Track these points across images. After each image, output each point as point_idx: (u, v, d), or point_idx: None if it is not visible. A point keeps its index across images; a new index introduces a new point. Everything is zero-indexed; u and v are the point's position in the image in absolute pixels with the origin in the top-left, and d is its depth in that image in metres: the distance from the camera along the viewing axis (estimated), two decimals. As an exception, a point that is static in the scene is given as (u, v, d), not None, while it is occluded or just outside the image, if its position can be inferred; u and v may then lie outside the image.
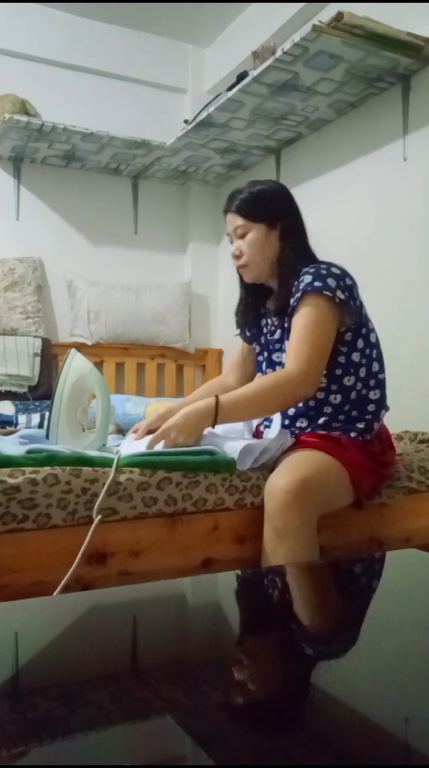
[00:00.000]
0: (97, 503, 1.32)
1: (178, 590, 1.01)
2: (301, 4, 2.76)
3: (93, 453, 1.47)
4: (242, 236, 1.64)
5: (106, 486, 1.34)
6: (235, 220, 1.64)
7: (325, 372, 1.59)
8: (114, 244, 3.48)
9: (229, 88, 2.60)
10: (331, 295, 1.50)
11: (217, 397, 1.48)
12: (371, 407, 1.63)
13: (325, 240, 2.80)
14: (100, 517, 1.31)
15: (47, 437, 1.64)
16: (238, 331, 1.86)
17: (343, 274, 1.57)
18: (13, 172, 3.26)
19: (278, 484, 1.40)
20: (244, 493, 1.49)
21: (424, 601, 0.91)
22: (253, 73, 2.43)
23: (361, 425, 1.61)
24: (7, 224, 3.24)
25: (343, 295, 1.52)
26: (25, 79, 3.16)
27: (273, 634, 0.81)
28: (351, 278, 1.59)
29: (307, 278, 1.54)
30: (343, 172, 2.75)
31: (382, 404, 1.66)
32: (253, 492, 1.50)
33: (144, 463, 1.42)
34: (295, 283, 1.57)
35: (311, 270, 1.55)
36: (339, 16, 2.11)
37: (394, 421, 2.16)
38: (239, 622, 0.86)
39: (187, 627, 0.85)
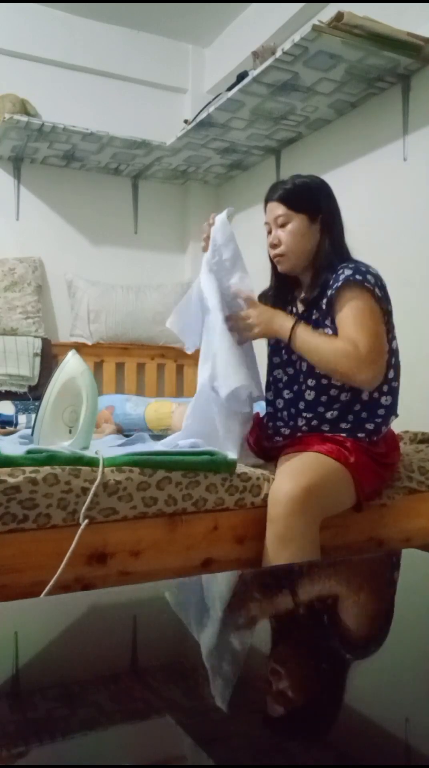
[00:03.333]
0: (83, 507, 1.31)
1: (178, 590, 1.01)
2: (301, 4, 2.76)
3: (93, 454, 1.46)
4: (283, 225, 1.64)
5: (92, 490, 1.34)
6: (277, 209, 1.65)
7: None
8: (114, 244, 3.48)
9: (229, 88, 2.60)
10: (371, 288, 1.52)
11: (296, 323, 1.56)
12: (381, 411, 1.62)
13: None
14: (86, 521, 1.31)
15: (32, 435, 1.64)
16: None
17: (379, 277, 1.59)
18: (13, 172, 3.26)
19: (283, 489, 1.40)
20: (244, 493, 1.49)
21: (424, 601, 0.91)
22: (253, 73, 2.43)
23: (370, 426, 1.60)
24: (7, 224, 3.24)
25: (379, 294, 1.55)
26: (25, 79, 3.16)
27: (272, 634, 0.81)
28: (384, 282, 1.61)
29: (348, 271, 1.55)
30: (343, 172, 2.75)
31: (392, 410, 1.65)
32: (253, 492, 1.50)
33: (144, 462, 1.42)
34: (334, 276, 1.58)
35: (351, 265, 1.57)
36: (339, 16, 2.11)
37: (394, 421, 2.16)
38: (239, 622, 0.86)
39: (187, 627, 0.85)
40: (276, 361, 1.73)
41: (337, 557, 1.52)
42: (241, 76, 2.52)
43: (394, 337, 1.65)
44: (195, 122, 2.82)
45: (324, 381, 1.61)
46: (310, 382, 1.63)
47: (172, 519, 1.42)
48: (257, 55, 2.45)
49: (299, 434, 1.64)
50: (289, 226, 1.63)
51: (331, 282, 1.58)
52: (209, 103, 2.77)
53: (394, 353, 1.64)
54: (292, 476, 1.43)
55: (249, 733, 0.54)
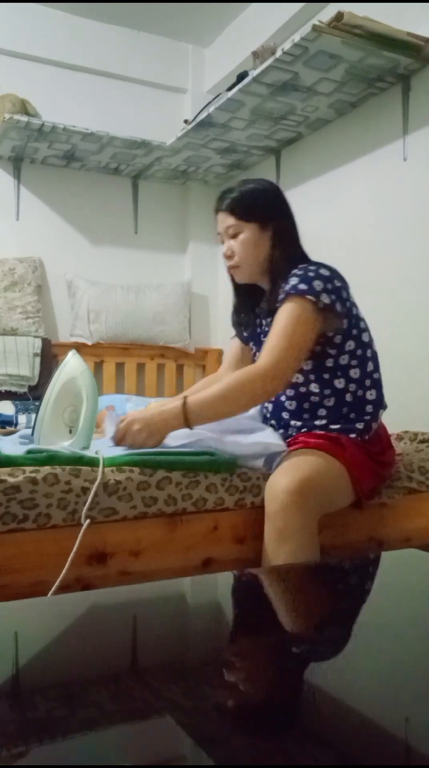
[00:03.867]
0: (85, 507, 1.31)
1: (178, 590, 1.01)
2: (301, 4, 2.76)
3: (93, 453, 1.46)
4: (234, 236, 1.62)
5: (93, 489, 1.34)
6: (227, 220, 1.62)
7: (313, 377, 1.59)
8: (114, 244, 3.48)
9: (229, 88, 2.60)
10: (314, 299, 1.49)
11: (184, 398, 1.47)
12: (369, 408, 1.62)
13: (325, 240, 2.81)
14: (88, 521, 1.30)
15: (32, 434, 1.64)
16: (235, 333, 1.85)
17: (332, 276, 1.55)
18: (13, 172, 3.26)
19: (280, 484, 1.40)
20: (244, 493, 1.49)
21: (424, 601, 0.91)
22: (253, 73, 2.43)
23: (360, 425, 1.60)
24: (7, 224, 3.24)
25: (328, 299, 1.50)
26: (25, 79, 3.16)
27: (272, 635, 0.81)
28: (341, 280, 1.58)
29: (294, 280, 1.52)
30: (343, 172, 2.75)
31: (379, 404, 1.65)
32: (253, 492, 1.50)
33: (144, 462, 1.42)
34: (283, 284, 1.56)
35: (299, 272, 1.54)
36: (339, 16, 2.11)
37: (394, 421, 2.16)
38: (239, 622, 0.86)
39: (187, 627, 0.85)
40: None
41: (337, 557, 1.52)
42: (241, 76, 2.52)
43: (364, 329, 1.63)
44: (195, 122, 2.82)
45: (302, 389, 1.62)
46: (289, 392, 1.64)
47: (172, 519, 1.42)
48: (257, 55, 2.45)
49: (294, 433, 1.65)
50: (241, 236, 1.61)
51: (280, 291, 1.56)
52: (209, 103, 2.77)
53: (367, 345, 1.63)
54: (288, 471, 1.43)
55: (249, 733, 0.54)
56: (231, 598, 0.97)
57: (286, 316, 1.50)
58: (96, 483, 1.33)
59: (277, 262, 1.60)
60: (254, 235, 1.61)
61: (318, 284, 1.50)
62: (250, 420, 1.66)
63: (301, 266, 1.56)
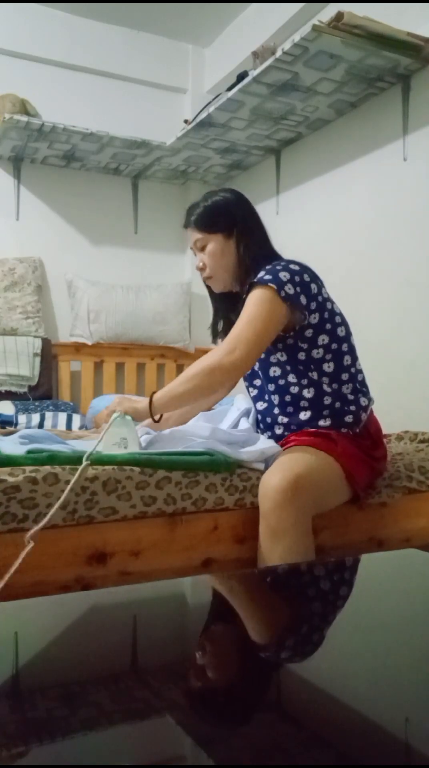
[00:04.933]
0: (70, 483, 1.31)
1: (178, 590, 1.01)
2: (301, 4, 2.76)
3: (94, 452, 1.46)
4: (203, 249, 1.68)
5: (75, 477, 1.34)
6: (194, 235, 1.68)
7: (289, 368, 1.61)
8: (114, 244, 3.48)
9: (229, 88, 2.60)
10: (276, 288, 1.51)
11: (151, 395, 1.56)
12: (351, 397, 1.63)
13: (325, 240, 2.81)
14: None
15: None
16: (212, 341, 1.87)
17: (301, 271, 1.57)
18: (13, 172, 3.26)
19: (272, 483, 1.41)
20: (244, 493, 1.49)
21: (424, 601, 0.91)
22: (253, 73, 2.43)
23: (349, 418, 1.61)
24: (7, 224, 3.24)
25: (292, 290, 1.52)
26: (25, 79, 3.16)
27: (273, 634, 0.81)
28: (311, 275, 1.59)
29: (261, 273, 1.55)
30: (343, 172, 2.75)
31: (361, 394, 1.65)
32: (253, 492, 1.50)
33: (144, 461, 1.42)
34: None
35: (268, 267, 1.57)
36: (339, 16, 2.11)
37: (394, 421, 2.16)
38: (238, 622, 0.86)
39: (187, 627, 0.85)
40: (246, 375, 1.74)
41: (336, 557, 1.52)
42: (241, 76, 2.52)
43: (340, 324, 1.64)
44: (195, 122, 2.82)
45: (281, 382, 1.63)
46: (271, 387, 1.66)
47: (172, 519, 1.42)
48: (257, 55, 2.45)
49: (286, 433, 1.65)
50: (208, 248, 1.66)
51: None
52: (209, 103, 2.77)
53: (343, 340, 1.64)
54: (280, 470, 1.43)
55: (249, 733, 0.54)
56: (231, 598, 0.97)
57: (247, 302, 1.54)
58: (80, 468, 1.33)
59: (246, 265, 1.65)
60: (220, 245, 1.66)
61: (284, 275, 1.53)
62: (243, 432, 1.67)
63: (273, 262, 1.59)
